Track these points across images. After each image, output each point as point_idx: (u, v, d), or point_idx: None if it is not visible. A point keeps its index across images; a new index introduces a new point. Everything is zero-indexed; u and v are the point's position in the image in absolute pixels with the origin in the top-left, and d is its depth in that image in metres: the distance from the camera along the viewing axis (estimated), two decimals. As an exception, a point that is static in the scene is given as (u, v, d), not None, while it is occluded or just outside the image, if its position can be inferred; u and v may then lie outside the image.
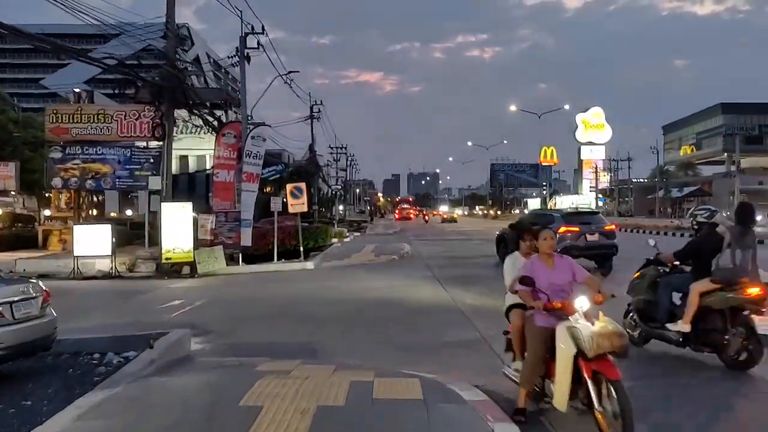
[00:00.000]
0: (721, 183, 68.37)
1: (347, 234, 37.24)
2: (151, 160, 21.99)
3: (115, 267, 19.13)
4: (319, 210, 59.34)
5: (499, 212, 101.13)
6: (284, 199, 22.83)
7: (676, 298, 7.59)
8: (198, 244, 19.57)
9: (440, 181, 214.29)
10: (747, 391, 6.62)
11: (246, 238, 20.02)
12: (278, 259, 22.01)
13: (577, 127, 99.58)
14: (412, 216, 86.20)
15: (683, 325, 7.20)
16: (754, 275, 7.01)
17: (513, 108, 71.09)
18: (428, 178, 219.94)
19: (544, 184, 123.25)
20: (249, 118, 29.85)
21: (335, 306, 12.41)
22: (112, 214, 31.82)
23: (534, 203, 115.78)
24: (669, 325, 7.42)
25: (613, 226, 19.04)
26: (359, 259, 22.15)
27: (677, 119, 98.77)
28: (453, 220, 75.62)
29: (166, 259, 18.97)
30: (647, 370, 7.21)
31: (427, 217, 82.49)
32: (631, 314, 8.17)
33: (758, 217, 14.76)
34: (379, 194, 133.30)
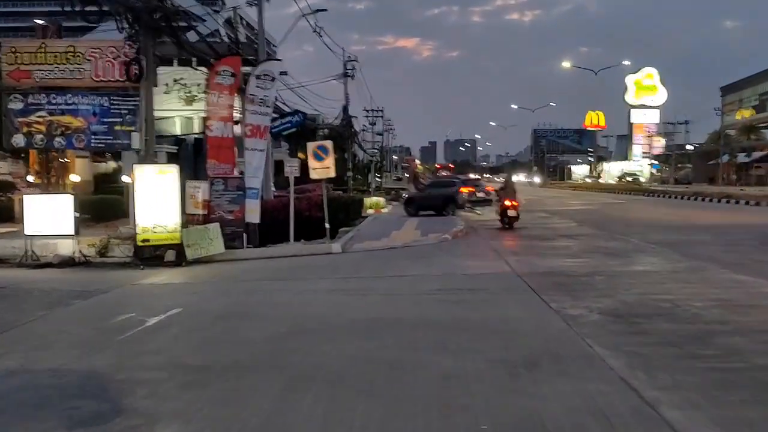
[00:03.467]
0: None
1: (384, 205, 31.72)
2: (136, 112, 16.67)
3: (80, 250, 14.07)
4: (354, 177, 54.19)
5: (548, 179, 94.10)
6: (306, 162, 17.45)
7: None
8: (187, 220, 14.33)
9: (479, 148, 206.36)
10: None
11: (252, 212, 14.72)
12: (297, 239, 16.77)
13: (627, 89, 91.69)
14: (452, 183, 79.95)
15: None
16: None
17: (567, 64, 64.03)
18: (467, 145, 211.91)
19: (590, 150, 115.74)
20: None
21: (366, 338, 6.93)
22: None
23: (579, 170, 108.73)
24: None
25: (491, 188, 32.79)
26: (400, 239, 16.64)
27: (738, 79, 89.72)
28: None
29: (143, 241, 13.78)
30: None
31: None
32: None
33: None
34: (417, 161, 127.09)
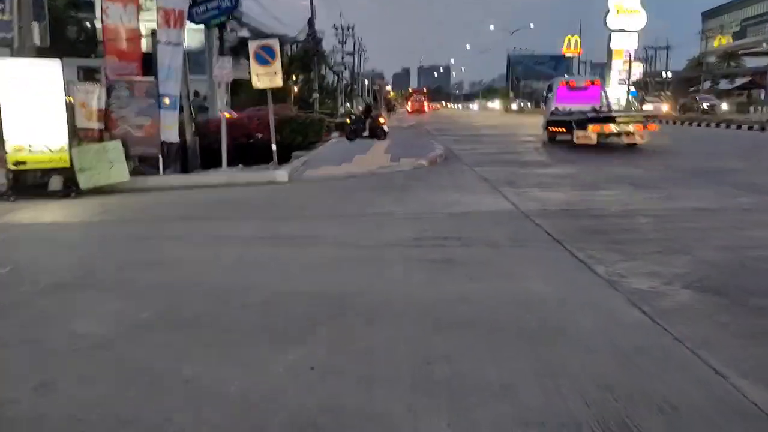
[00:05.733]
0: (778, 74, 57.83)
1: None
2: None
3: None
4: (321, 101, 49.87)
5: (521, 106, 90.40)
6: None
7: None
8: (78, 136, 10.62)
9: (453, 74, 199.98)
10: None
11: (169, 128, 11.01)
12: (234, 164, 13.30)
13: (608, 11, 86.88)
14: (426, 109, 75.97)
15: None
16: None
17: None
18: (441, 70, 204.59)
19: (565, 76, 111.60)
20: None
21: (283, 343, 3.56)
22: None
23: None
24: None
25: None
26: (366, 165, 13.16)
27: (720, 4, 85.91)
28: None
29: (16, 163, 10.08)
30: None
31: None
32: None
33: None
34: (388, 87, 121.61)
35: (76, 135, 10.46)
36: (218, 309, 4.32)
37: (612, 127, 16.74)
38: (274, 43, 13.46)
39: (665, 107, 47.46)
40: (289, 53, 52.64)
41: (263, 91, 15.35)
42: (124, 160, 10.53)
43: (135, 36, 10.73)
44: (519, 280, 4.91)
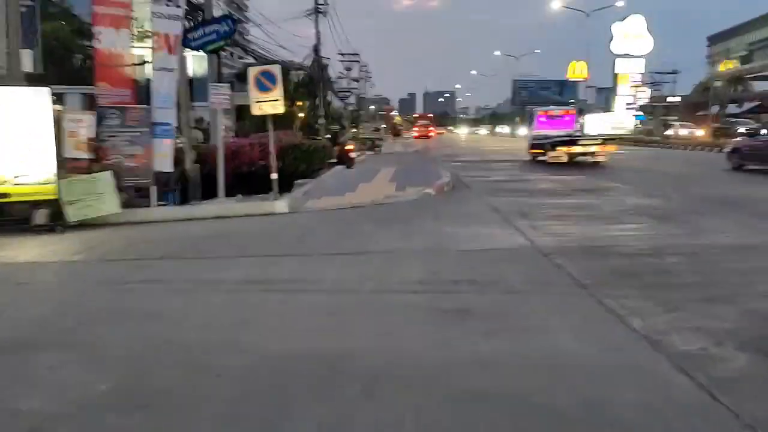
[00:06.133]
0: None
1: (356, 153, 27.44)
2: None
3: None
4: (327, 126, 49.52)
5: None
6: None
7: None
8: (67, 167, 10.06)
9: (459, 99, 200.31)
10: None
11: (163, 157, 10.44)
12: (234, 194, 12.82)
13: (612, 37, 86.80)
14: (432, 134, 75.72)
15: None
16: None
17: (557, 5, 59.16)
18: (447, 95, 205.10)
19: (572, 101, 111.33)
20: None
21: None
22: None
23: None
24: None
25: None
26: (370, 195, 12.54)
27: (725, 29, 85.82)
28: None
29: (0, 196, 9.52)
30: None
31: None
32: None
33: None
34: (394, 112, 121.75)
35: (64, 166, 9.88)
36: (190, 379, 3.64)
37: (577, 148, 20.04)
38: (275, 69, 12.96)
39: (700, 132, 44.43)
40: (297, 79, 52.64)
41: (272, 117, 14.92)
42: (114, 191, 9.94)
43: (128, 62, 10.22)
44: (543, 336, 4.22)
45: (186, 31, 10.86)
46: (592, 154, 20.13)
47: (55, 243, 8.57)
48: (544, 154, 21.01)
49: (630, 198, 11.81)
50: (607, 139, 21.40)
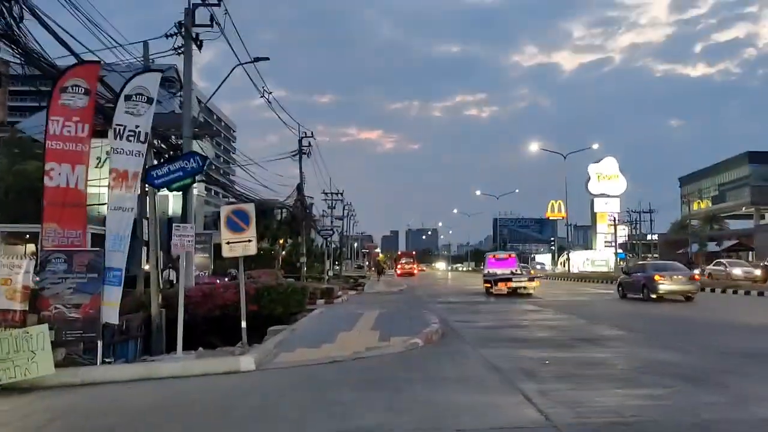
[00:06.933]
0: (765, 236, 58.11)
1: (339, 293, 26.11)
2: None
3: None
4: (310, 264, 48.47)
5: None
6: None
7: None
8: (-4, 319, 8.60)
9: (441, 236, 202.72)
10: None
11: (111, 306, 9.05)
12: (205, 340, 11.55)
13: (589, 178, 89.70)
14: (415, 271, 75.18)
15: None
16: None
17: (534, 147, 61.13)
18: (429, 233, 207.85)
19: (552, 239, 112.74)
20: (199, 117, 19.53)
21: None
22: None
23: (543, 258, 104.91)
24: None
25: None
26: (350, 346, 11.06)
27: (695, 170, 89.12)
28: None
29: None
30: None
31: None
32: None
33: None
34: (377, 250, 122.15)
35: (-8, 318, 8.45)
36: None
37: (512, 284, 26.70)
38: (250, 208, 12.04)
39: (758, 272, 36.43)
40: (279, 217, 52.32)
41: (251, 255, 13.72)
42: (49, 348, 8.42)
43: (81, 201, 9.14)
44: None
45: (150, 168, 9.95)
46: (524, 287, 26.69)
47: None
48: (491, 287, 27.90)
49: (642, 350, 10.48)
50: (532, 277, 28.38)
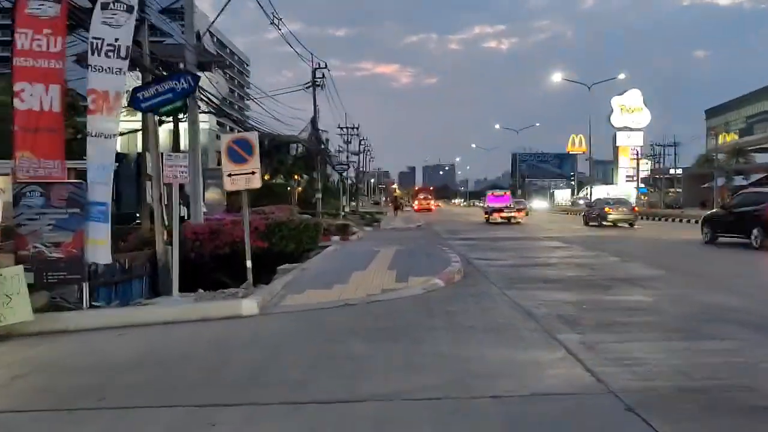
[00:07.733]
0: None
1: (354, 230, 25.11)
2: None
3: None
4: (326, 200, 47.49)
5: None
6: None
7: None
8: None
9: (459, 172, 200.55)
10: None
11: (99, 245, 8.05)
12: (212, 280, 10.70)
13: (612, 111, 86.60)
14: (432, 207, 74.15)
15: None
16: None
17: (558, 78, 58.50)
18: (446, 169, 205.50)
19: (572, 174, 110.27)
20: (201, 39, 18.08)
21: None
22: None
23: (562, 194, 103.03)
24: None
25: None
26: (364, 287, 10.07)
27: (722, 102, 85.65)
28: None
29: None
30: None
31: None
32: None
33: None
34: (394, 185, 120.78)
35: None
36: None
37: (504, 213, 34.88)
38: (252, 137, 10.84)
39: None
40: (294, 152, 51.06)
41: (264, 190, 12.59)
42: (26, 292, 7.46)
43: (57, 125, 7.98)
44: None
45: (136, 89, 8.72)
46: (514, 217, 35.01)
47: None
48: (488, 216, 35.86)
49: (692, 293, 9.34)
50: (519, 209, 37.27)
